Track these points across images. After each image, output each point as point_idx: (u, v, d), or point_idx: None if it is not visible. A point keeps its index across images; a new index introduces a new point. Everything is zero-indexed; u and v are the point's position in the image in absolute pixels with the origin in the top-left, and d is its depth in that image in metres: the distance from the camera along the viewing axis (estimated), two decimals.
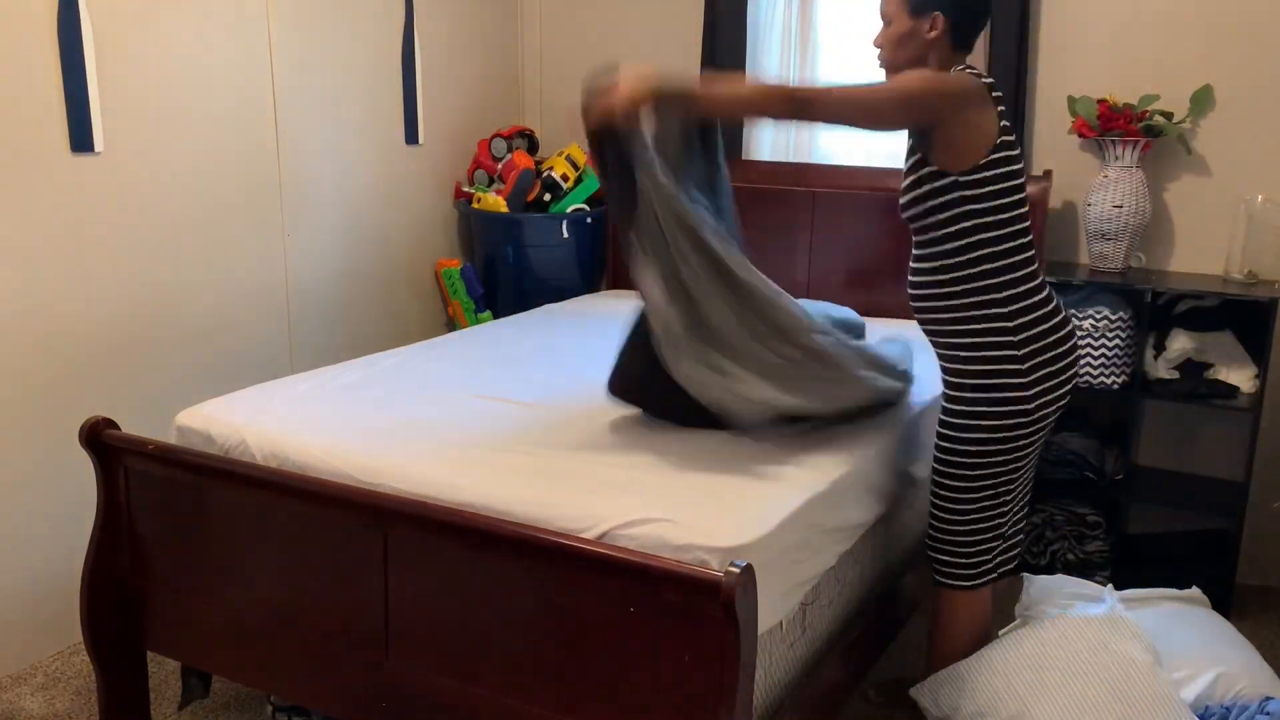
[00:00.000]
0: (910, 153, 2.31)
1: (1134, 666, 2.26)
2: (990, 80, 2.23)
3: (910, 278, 2.37)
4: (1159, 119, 3.24)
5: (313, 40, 3.48)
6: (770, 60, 3.88)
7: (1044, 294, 2.30)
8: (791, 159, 3.89)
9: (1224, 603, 3.03)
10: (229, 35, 3.20)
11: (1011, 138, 2.24)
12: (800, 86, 2.27)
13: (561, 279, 4.03)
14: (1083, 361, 3.23)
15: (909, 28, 2.26)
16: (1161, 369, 3.24)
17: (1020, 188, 2.24)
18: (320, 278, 3.61)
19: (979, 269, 2.25)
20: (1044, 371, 2.27)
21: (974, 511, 2.37)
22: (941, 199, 2.24)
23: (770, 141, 3.95)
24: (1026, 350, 2.25)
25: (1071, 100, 3.36)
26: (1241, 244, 3.24)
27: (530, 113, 4.43)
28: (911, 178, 2.29)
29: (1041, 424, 2.31)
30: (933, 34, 2.24)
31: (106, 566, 2.39)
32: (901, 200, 2.33)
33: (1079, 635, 2.34)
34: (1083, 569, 3.33)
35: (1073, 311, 3.24)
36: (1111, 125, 3.25)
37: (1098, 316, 3.21)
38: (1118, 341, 3.21)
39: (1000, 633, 2.48)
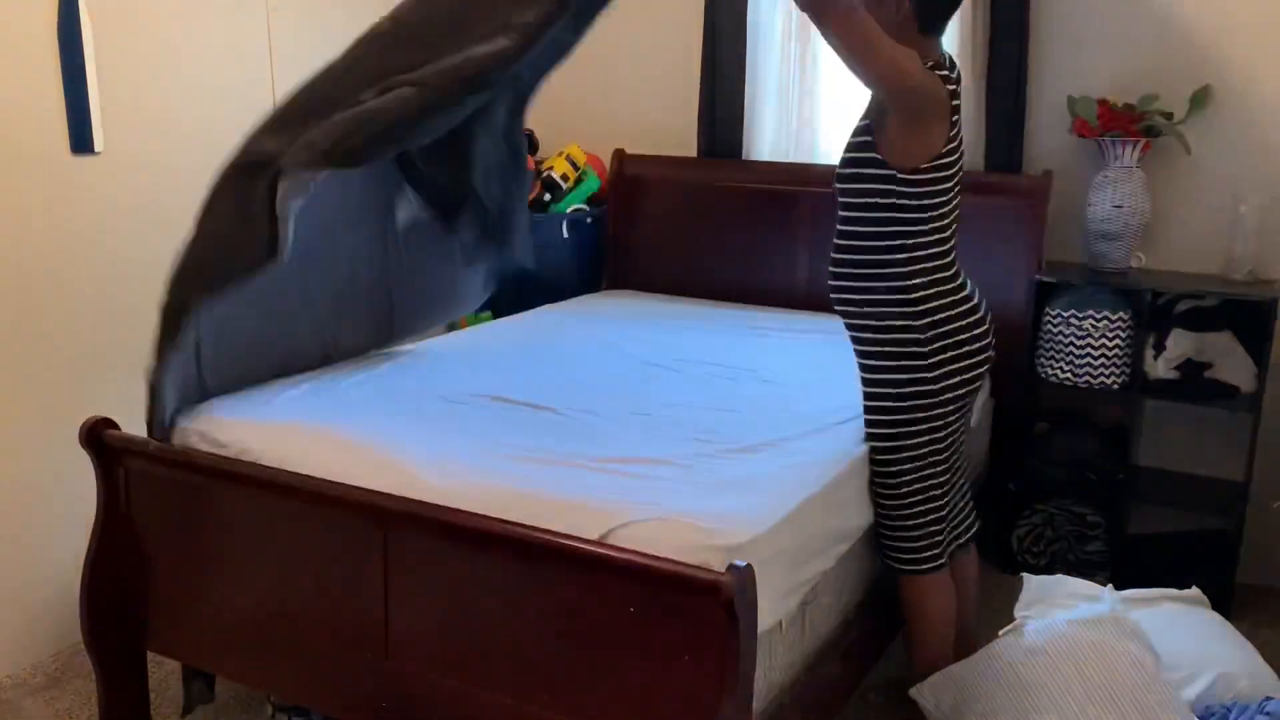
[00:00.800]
0: (861, 130, 2.34)
1: (1134, 666, 2.26)
2: (954, 88, 2.27)
3: (832, 255, 2.43)
4: (1159, 119, 3.24)
5: (313, 41, 3.47)
6: (770, 60, 3.87)
7: (955, 281, 2.36)
8: (791, 159, 3.89)
9: (1224, 603, 3.03)
10: (229, 36, 3.20)
11: (955, 144, 2.30)
12: None
13: (562, 279, 4.03)
14: (1082, 361, 3.23)
15: (877, 10, 2.21)
16: (1161, 369, 3.24)
17: (949, 190, 2.32)
18: None
19: (893, 256, 2.32)
20: (949, 353, 2.33)
21: (908, 495, 2.42)
22: (875, 185, 2.31)
23: (770, 141, 3.94)
24: (930, 331, 2.32)
25: (1071, 100, 3.36)
26: (1241, 244, 3.24)
27: (530, 113, 4.42)
28: (855, 155, 2.34)
29: (952, 404, 2.38)
30: (896, 15, 2.23)
31: (106, 566, 2.39)
32: (839, 170, 2.38)
33: (1079, 635, 2.34)
34: (1083, 569, 3.33)
35: (1073, 311, 3.24)
36: (1111, 125, 3.25)
37: (1098, 316, 3.21)
38: (1118, 341, 3.21)
39: (1000, 633, 2.48)
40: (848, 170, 2.36)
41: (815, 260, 3.78)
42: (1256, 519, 3.27)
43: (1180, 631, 2.50)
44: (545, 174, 4.01)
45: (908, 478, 2.42)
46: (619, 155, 4.12)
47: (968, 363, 2.37)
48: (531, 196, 3.99)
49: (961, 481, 2.65)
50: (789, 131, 3.91)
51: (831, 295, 2.45)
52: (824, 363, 3.04)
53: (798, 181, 3.78)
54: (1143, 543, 3.43)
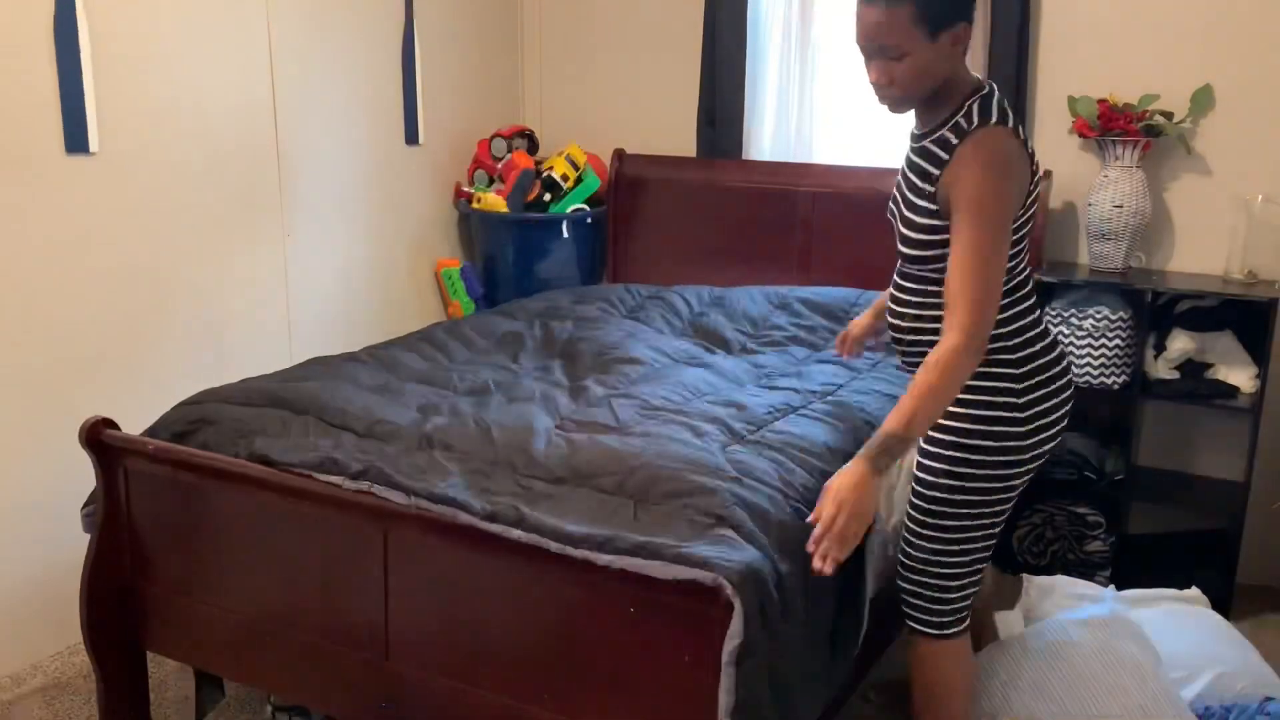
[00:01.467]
0: (927, 202, 1.96)
1: (1134, 666, 2.26)
2: (1023, 138, 1.94)
3: (900, 309, 2.08)
4: (1159, 119, 3.24)
5: (312, 40, 3.48)
6: (770, 60, 3.88)
7: (1047, 337, 2.05)
8: (791, 159, 3.89)
9: (1224, 603, 3.03)
10: (228, 35, 3.20)
11: (1034, 188, 1.98)
12: (898, 424, 1.81)
13: (561, 279, 4.03)
14: (1082, 361, 3.23)
15: (932, 53, 1.87)
16: (1162, 369, 3.24)
17: (1027, 234, 2.01)
18: (320, 278, 3.61)
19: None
20: (1041, 408, 2.02)
21: (961, 556, 2.08)
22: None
23: (770, 141, 3.95)
24: (1027, 395, 2.00)
25: (1071, 100, 3.36)
26: (1241, 244, 3.24)
27: (530, 113, 4.44)
28: (926, 221, 1.96)
29: (1034, 464, 2.08)
30: (959, 48, 1.91)
31: (106, 566, 2.39)
32: (910, 236, 1.99)
33: (1079, 636, 2.34)
34: (1083, 569, 3.33)
35: (1073, 311, 3.24)
36: (1111, 125, 3.25)
37: (1098, 316, 3.21)
38: (1118, 341, 3.21)
39: (1000, 633, 2.48)
40: (921, 237, 1.98)
41: (814, 260, 3.78)
42: (1256, 519, 3.27)
43: (1180, 631, 2.50)
44: (545, 174, 4.01)
45: (972, 539, 2.07)
46: (619, 155, 4.12)
47: (1056, 419, 2.05)
48: (531, 196, 4.00)
49: None
50: (789, 131, 3.91)
51: (904, 350, 2.11)
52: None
53: (797, 181, 3.78)
54: (1143, 543, 3.43)
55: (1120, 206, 3.26)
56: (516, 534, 1.90)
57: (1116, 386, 3.24)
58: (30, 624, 2.88)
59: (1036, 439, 2.03)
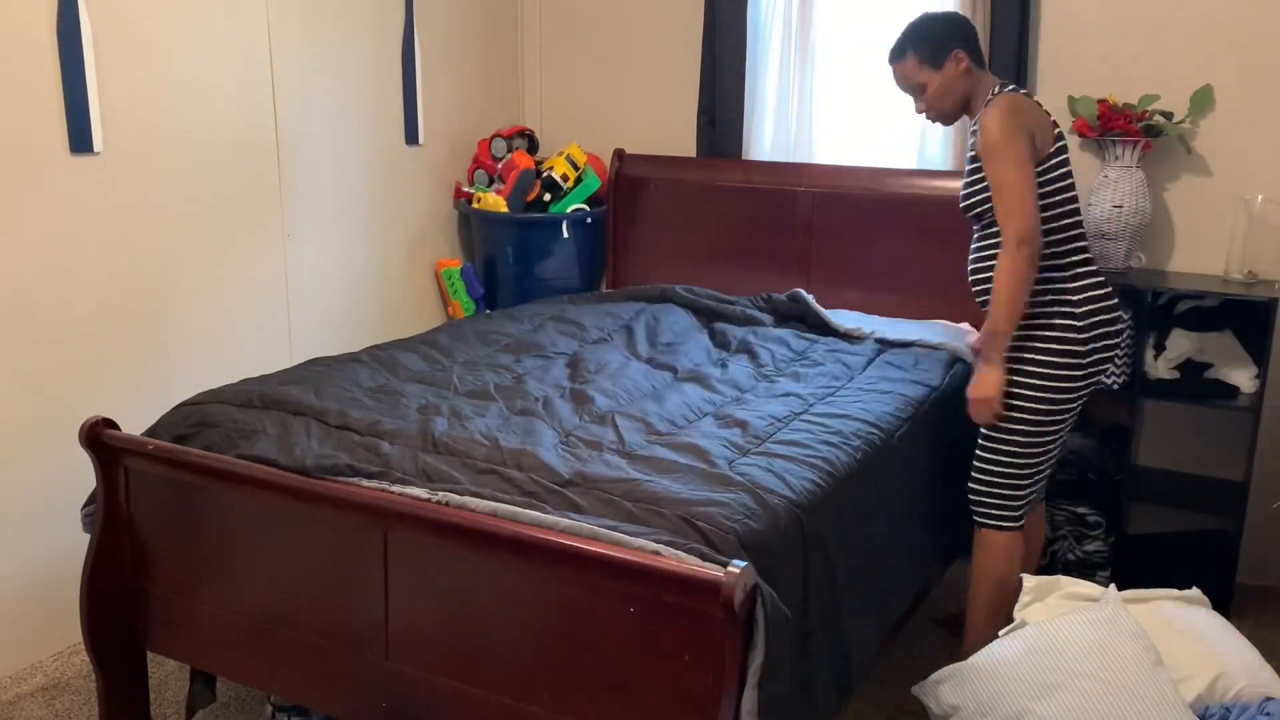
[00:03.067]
0: (972, 165, 2.57)
1: (1134, 666, 2.26)
2: (1026, 90, 2.59)
3: (975, 265, 2.64)
4: (1159, 119, 3.24)
5: (312, 40, 3.48)
6: (770, 60, 3.87)
7: (1099, 274, 2.58)
8: (791, 159, 3.89)
9: (1224, 603, 3.03)
10: (229, 35, 3.20)
11: (1063, 142, 2.54)
12: (997, 320, 2.50)
13: (561, 279, 4.03)
14: None
15: (941, 78, 2.57)
16: (1161, 369, 3.23)
17: (1071, 185, 2.54)
18: (320, 278, 3.61)
19: (1044, 251, 2.50)
20: (1099, 333, 2.54)
21: (1022, 462, 2.60)
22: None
23: (770, 141, 3.95)
24: (1086, 320, 2.52)
25: (1071, 100, 3.36)
26: (1241, 244, 3.24)
27: (530, 113, 4.44)
28: (976, 176, 2.55)
29: (1091, 383, 2.58)
30: (962, 66, 2.55)
31: (106, 566, 2.39)
32: (965, 194, 2.60)
33: (1079, 635, 2.33)
34: (1083, 569, 3.33)
35: None
36: (1111, 125, 3.25)
37: None
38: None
39: (1000, 633, 2.48)
40: (974, 190, 2.58)
41: (814, 260, 3.78)
42: (1256, 519, 3.27)
43: (1180, 631, 2.49)
44: (545, 174, 4.01)
45: (1033, 449, 2.59)
46: (619, 155, 4.12)
47: (1110, 344, 2.57)
48: (531, 196, 4.00)
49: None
50: (789, 131, 3.91)
51: (982, 299, 2.61)
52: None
53: (797, 181, 3.78)
54: (1143, 543, 3.43)
55: (1120, 206, 3.26)
56: (516, 533, 1.90)
57: (1116, 386, 3.24)
58: (30, 624, 2.88)
59: (1091, 371, 2.55)
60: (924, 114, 2.65)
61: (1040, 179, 2.48)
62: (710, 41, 3.90)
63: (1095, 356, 2.54)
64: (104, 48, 2.85)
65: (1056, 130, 2.54)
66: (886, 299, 3.63)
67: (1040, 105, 2.56)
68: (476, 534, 1.95)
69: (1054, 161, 2.51)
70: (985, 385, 2.53)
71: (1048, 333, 2.54)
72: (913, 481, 2.72)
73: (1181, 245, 3.42)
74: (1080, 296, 2.53)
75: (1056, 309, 2.53)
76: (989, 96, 2.53)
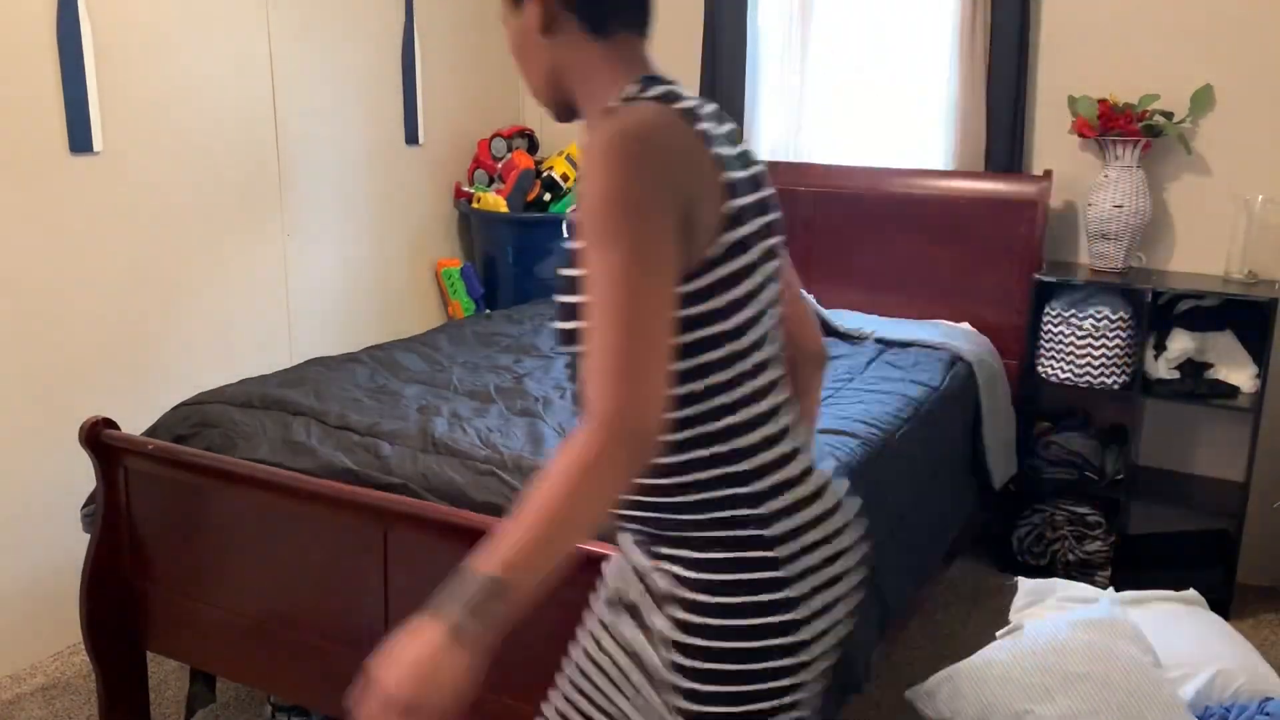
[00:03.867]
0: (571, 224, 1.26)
1: (1133, 667, 2.26)
2: (696, 102, 1.25)
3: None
4: (1159, 119, 3.24)
5: (312, 40, 3.48)
6: (770, 60, 3.87)
7: (806, 469, 1.34)
8: (791, 159, 3.89)
9: (1224, 603, 3.03)
10: (229, 35, 3.20)
11: (761, 213, 1.26)
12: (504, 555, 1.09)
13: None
14: (1082, 361, 3.23)
15: (515, 27, 1.31)
16: (1162, 369, 3.24)
17: (766, 305, 1.27)
18: (320, 278, 3.62)
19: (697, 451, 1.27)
20: (812, 581, 1.29)
21: None
22: None
23: (770, 141, 3.95)
24: (790, 563, 1.28)
25: (1071, 100, 3.36)
26: (1241, 244, 3.24)
27: (530, 113, 4.44)
28: (576, 270, 1.25)
29: (819, 658, 1.31)
30: (543, 15, 1.26)
31: (106, 566, 2.39)
32: (561, 303, 1.29)
33: (1076, 637, 2.33)
34: (1083, 569, 3.33)
35: (1073, 311, 3.24)
36: (1111, 125, 3.25)
37: (1098, 316, 3.21)
38: (1118, 341, 3.21)
39: (998, 634, 2.48)
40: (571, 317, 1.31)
41: (814, 260, 3.78)
42: (1256, 519, 3.27)
43: (1177, 631, 2.50)
44: (545, 174, 4.01)
45: None
46: None
47: (834, 584, 1.33)
48: (531, 196, 4.00)
49: None
50: (789, 131, 3.91)
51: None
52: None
53: (797, 181, 3.78)
54: (1143, 543, 3.43)
55: (1120, 206, 3.26)
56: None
57: (1116, 386, 3.24)
58: (30, 624, 2.88)
59: (815, 639, 1.28)
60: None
61: (695, 305, 1.20)
62: (710, 42, 3.90)
63: (817, 622, 1.29)
64: (104, 48, 2.86)
65: (750, 180, 1.25)
66: (886, 299, 3.64)
67: (721, 129, 1.25)
68: (476, 534, 1.94)
69: (728, 267, 1.20)
70: (424, 670, 1.06)
71: (728, 591, 1.25)
72: (913, 482, 2.72)
73: (1182, 245, 3.42)
74: (778, 523, 1.28)
75: (740, 549, 1.26)
76: (610, 102, 1.25)
